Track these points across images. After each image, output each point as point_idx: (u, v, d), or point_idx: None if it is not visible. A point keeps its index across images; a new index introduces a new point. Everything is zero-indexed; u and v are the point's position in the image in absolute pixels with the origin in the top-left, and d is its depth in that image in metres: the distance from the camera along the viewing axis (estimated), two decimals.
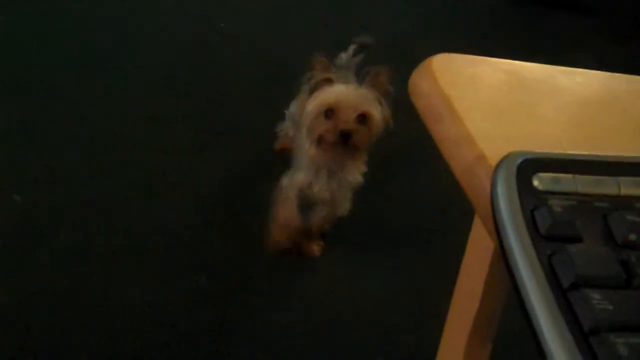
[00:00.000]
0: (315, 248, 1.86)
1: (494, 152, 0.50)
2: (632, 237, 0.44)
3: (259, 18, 2.51)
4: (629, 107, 0.61)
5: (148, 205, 1.83)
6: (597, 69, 2.29)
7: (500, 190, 0.46)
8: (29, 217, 1.72)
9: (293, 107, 1.77)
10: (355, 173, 1.69)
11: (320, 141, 1.55)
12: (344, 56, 1.69)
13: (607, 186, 0.47)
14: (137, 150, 1.96)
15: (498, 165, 0.47)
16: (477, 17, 2.94)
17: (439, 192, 1.80)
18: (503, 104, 0.57)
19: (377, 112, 1.53)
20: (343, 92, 1.53)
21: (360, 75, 1.58)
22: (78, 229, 1.73)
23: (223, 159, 2.01)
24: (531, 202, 0.45)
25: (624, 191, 0.47)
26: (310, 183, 1.68)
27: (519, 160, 0.47)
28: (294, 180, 1.72)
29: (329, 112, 1.53)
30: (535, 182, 0.46)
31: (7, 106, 1.97)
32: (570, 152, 0.50)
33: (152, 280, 1.69)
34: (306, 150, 1.64)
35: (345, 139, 1.51)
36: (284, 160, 1.80)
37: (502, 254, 0.44)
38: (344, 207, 1.76)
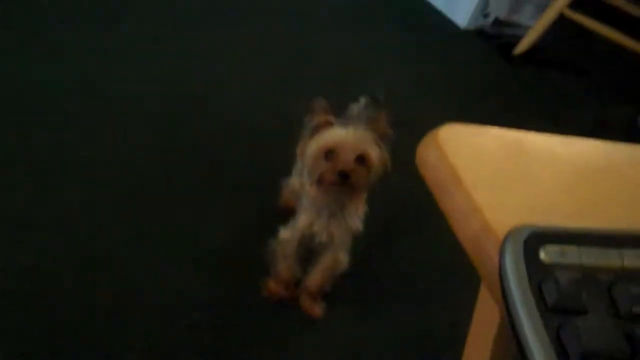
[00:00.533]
0: (317, 309, 1.86)
1: (500, 223, 0.52)
2: (636, 309, 0.45)
3: (261, 73, 2.55)
4: (629, 177, 0.63)
5: (148, 259, 1.84)
6: (596, 131, 2.36)
7: (508, 262, 0.47)
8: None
9: (300, 164, 1.80)
10: (355, 217, 1.72)
11: (320, 181, 1.60)
12: (355, 107, 1.73)
13: (611, 258, 0.49)
14: (138, 204, 1.97)
15: (506, 238, 0.49)
16: (475, 78, 2.99)
17: (440, 250, 1.81)
18: (507, 175, 0.59)
19: (376, 154, 1.58)
20: (342, 135, 1.58)
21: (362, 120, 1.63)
22: (79, 282, 1.73)
23: (224, 214, 2.02)
24: (538, 274, 0.46)
25: (628, 263, 0.49)
26: (312, 224, 1.71)
27: (526, 233, 0.48)
28: (295, 227, 1.75)
29: (329, 153, 1.58)
30: (542, 255, 0.47)
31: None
32: (574, 224, 0.51)
33: (152, 333, 1.69)
34: (307, 191, 1.68)
35: (344, 178, 1.56)
36: (286, 216, 1.82)
37: (509, 324, 0.46)
38: (344, 258, 1.77)
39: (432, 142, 0.59)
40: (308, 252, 1.81)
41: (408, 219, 2.18)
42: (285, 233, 1.78)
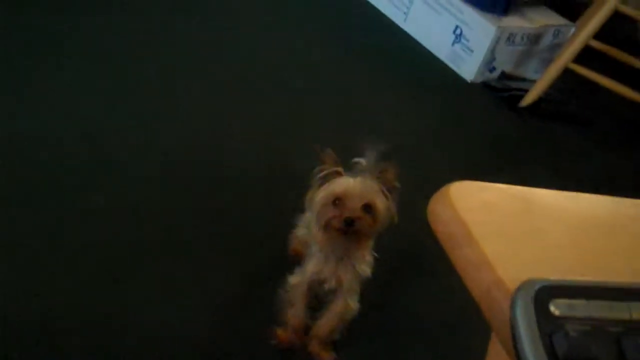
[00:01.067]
0: (327, 356, 1.86)
1: (511, 277, 0.53)
2: None
3: (263, 122, 2.58)
4: (635, 231, 0.65)
5: (152, 308, 1.84)
6: (602, 182, 2.37)
7: (520, 315, 0.49)
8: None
9: (309, 213, 1.84)
10: (362, 263, 1.74)
11: (327, 227, 1.63)
12: (364, 162, 1.76)
13: (620, 311, 0.51)
14: (145, 256, 1.98)
15: (517, 291, 0.51)
16: (483, 130, 3.02)
17: (449, 296, 1.81)
18: (517, 230, 0.61)
19: (382, 203, 1.61)
20: (350, 183, 1.63)
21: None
22: (87, 336, 1.73)
23: (228, 262, 2.03)
24: (549, 327, 0.48)
25: (636, 316, 0.51)
26: (321, 270, 1.73)
27: (536, 287, 0.50)
28: (304, 273, 1.77)
29: (337, 201, 1.62)
30: (552, 308, 0.49)
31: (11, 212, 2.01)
32: (583, 278, 0.53)
33: None
34: (315, 238, 1.72)
35: (350, 225, 1.59)
36: (294, 264, 1.83)
37: None
38: (353, 305, 1.78)
39: (444, 198, 0.61)
40: (317, 299, 1.81)
41: (417, 265, 2.19)
42: (294, 279, 1.80)
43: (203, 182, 2.26)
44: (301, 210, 1.90)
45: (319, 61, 3.09)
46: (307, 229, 1.88)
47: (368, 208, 1.60)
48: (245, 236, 2.12)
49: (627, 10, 2.99)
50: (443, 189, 0.62)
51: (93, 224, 2.02)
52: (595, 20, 2.95)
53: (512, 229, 0.60)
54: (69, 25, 2.76)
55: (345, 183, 1.63)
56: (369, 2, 3.67)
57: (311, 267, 1.76)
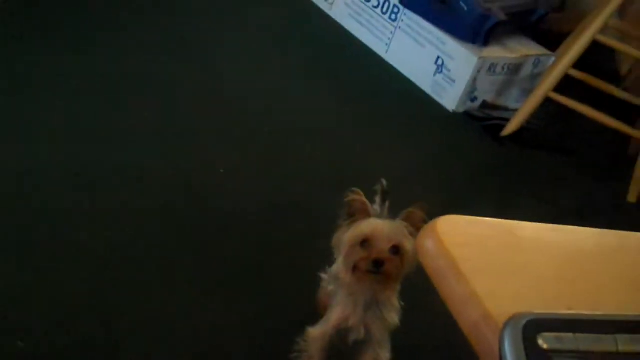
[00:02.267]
0: None
1: (499, 311, 0.54)
2: None
3: (253, 160, 2.59)
4: (619, 263, 0.66)
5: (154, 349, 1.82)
6: (585, 209, 2.38)
7: (508, 349, 0.50)
8: None
9: (335, 266, 1.79)
10: (391, 310, 1.69)
11: (355, 269, 1.60)
12: (377, 208, 1.74)
13: (606, 344, 0.52)
14: (144, 293, 1.96)
15: (505, 326, 0.52)
16: (465, 159, 3.05)
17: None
18: (503, 264, 0.62)
19: (410, 245, 1.58)
20: (379, 225, 1.60)
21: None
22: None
23: (226, 309, 1.99)
24: None
25: (622, 348, 0.52)
26: (348, 317, 1.68)
27: (524, 321, 0.51)
28: (327, 323, 1.70)
29: (365, 242, 1.59)
30: (540, 342, 0.50)
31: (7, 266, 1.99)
32: (569, 311, 0.54)
33: None
34: (342, 281, 1.67)
35: (378, 266, 1.57)
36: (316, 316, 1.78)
37: None
38: (384, 356, 1.71)
39: (432, 233, 0.63)
40: (340, 353, 1.74)
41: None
42: (315, 331, 1.73)
43: (198, 226, 2.23)
44: (328, 262, 1.84)
45: (300, 94, 3.10)
46: (335, 280, 1.79)
47: (396, 250, 1.58)
48: (239, 281, 2.10)
49: (606, 40, 3.04)
50: (431, 224, 0.64)
51: (87, 255, 2.01)
52: (574, 50, 2.99)
53: (499, 264, 0.61)
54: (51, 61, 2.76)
55: (373, 224, 1.61)
56: (350, 33, 3.70)
57: (337, 315, 1.70)
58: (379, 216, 1.65)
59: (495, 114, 3.34)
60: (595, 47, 3.02)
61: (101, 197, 2.22)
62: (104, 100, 2.64)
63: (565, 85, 3.12)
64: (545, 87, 3.08)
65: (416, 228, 1.61)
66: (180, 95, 2.81)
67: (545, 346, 0.50)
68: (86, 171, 2.30)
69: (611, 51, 3.36)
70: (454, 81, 3.29)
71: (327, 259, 1.80)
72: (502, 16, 3.27)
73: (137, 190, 2.29)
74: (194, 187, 2.36)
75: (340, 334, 1.71)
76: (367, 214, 1.63)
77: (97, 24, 3.08)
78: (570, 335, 0.51)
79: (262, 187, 2.45)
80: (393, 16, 3.53)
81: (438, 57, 3.34)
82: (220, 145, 2.61)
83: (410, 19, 3.45)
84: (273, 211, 2.34)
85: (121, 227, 2.13)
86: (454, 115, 3.31)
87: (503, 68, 3.35)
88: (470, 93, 3.31)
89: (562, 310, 0.56)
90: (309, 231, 2.24)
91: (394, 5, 3.52)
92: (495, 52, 3.33)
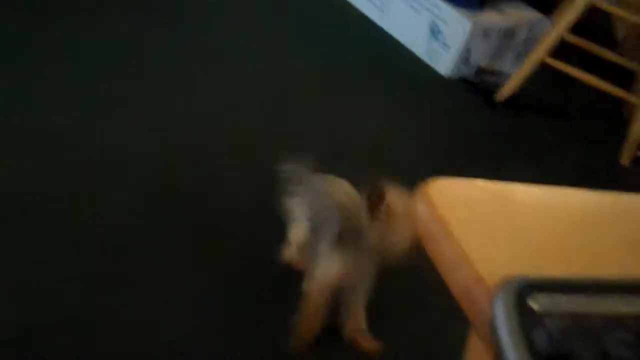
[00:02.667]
0: (371, 345, 1.81)
1: (491, 275, 0.53)
2: (626, 354, 0.47)
3: (246, 130, 2.57)
4: (613, 227, 0.65)
5: (144, 322, 1.82)
6: (581, 174, 2.37)
7: (499, 312, 0.49)
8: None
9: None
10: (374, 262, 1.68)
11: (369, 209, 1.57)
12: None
13: (599, 305, 0.51)
14: (121, 263, 1.95)
15: (496, 289, 0.51)
16: (460, 125, 3.04)
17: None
18: (497, 227, 0.61)
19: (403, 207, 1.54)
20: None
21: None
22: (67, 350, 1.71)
23: (212, 280, 1.98)
24: (529, 323, 0.48)
25: (616, 310, 0.51)
26: (348, 272, 1.68)
27: (516, 284, 0.50)
28: (324, 276, 1.70)
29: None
30: (532, 304, 0.49)
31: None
32: (563, 274, 0.53)
33: None
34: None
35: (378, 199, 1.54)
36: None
37: None
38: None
39: (423, 197, 0.61)
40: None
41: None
42: (314, 285, 1.72)
43: (191, 196, 2.22)
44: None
45: (294, 61, 3.07)
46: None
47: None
48: (227, 253, 2.09)
49: (602, 3, 3.00)
50: (423, 187, 0.62)
51: (74, 225, 2.00)
52: (570, 13, 2.97)
53: (493, 227, 0.60)
54: (41, 29, 2.72)
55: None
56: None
57: (335, 270, 1.68)
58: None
59: (491, 79, 3.32)
60: (591, 12, 2.99)
61: (87, 165, 2.21)
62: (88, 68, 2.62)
63: (561, 50, 3.09)
64: (540, 52, 3.06)
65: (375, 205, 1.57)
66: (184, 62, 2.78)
67: (537, 308, 0.49)
68: (72, 140, 2.28)
69: (607, 16, 3.33)
70: (448, 46, 3.26)
71: None
72: None
73: (124, 157, 2.28)
74: (186, 153, 2.35)
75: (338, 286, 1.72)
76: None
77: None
78: (563, 297, 0.50)
79: (256, 158, 2.43)
80: None
81: (432, 22, 3.31)
82: (216, 113, 2.59)
83: None
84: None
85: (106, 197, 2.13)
86: (449, 80, 3.29)
87: (498, 32, 3.32)
88: (465, 58, 3.29)
89: (557, 273, 0.55)
90: None
91: None
92: (490, 17, 3.30)
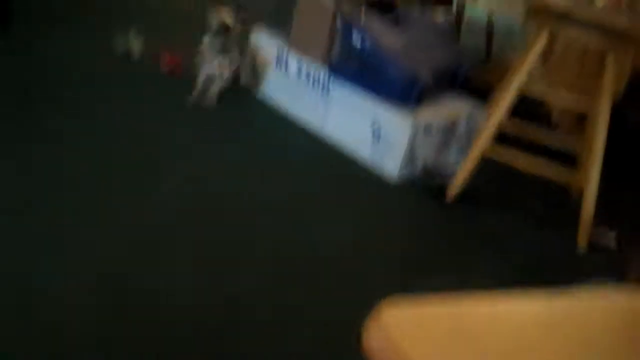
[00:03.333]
0: None
1: None
2: None
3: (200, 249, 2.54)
4: (568, 330, 0.64)
5: None
6: (537, 265, 2.37)
7: None
8: None
9: None
10: None
11: None
12: None
13: None
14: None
15: None
16: (412, 227, 3.06)
17: None
18: (450, 346, 0.59)
19: None
20: None
21: None
22: None
23: None
24: None
25: None
26: None
27: None
28: None
29: None
30: None
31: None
32: None
33: None
34: None
35: None
36: None
37: None
38: None
39: (377, 326, 0.59)
40: None
41: None
42: None
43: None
44: None
45: (239, 175, 3.08)
46: None
47: None
48: None
49: (533, 90, 3.11)
50: (375, 315, 0.60)
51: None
52: (502, 105, 3.06)
53: (447, 345, 0.58)
54: None
55: None
56: (283, 109, 3.73)
57: None
58: None
59: (437, 176, 3.36)
60: (525, 97, 3.09)
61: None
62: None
63: (501, 138, 3.16)
64: (479, 147, 3.12)
65: None
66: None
67: None
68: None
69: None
70: (392, 146, 3.31)
71: None
72: (429, 76, 3.33)
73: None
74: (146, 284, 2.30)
75: None
76: None
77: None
78: None
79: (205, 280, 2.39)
80: (324, 89, 3.57)
81: (373, 125, 3.37)
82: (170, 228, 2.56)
83: (342, 90, 3.49)
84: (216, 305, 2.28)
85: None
86: (396, 182, 3.32)
87: (438, 128, 3.39)
88: (410, 157, 3.33)
89: None
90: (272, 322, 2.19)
91: (324, 78, 3.56)
92: (429, 114, 3.38)
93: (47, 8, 4.45)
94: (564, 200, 3.40)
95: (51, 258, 2.31)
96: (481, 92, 3.69)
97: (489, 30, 5.49)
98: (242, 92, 3.83)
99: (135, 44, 3.93)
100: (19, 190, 2.63)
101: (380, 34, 3.40)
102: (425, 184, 3.31)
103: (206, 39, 3.68)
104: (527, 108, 3.35)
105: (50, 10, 4.45)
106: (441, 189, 3.24)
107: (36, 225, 2.45)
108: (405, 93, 3.32)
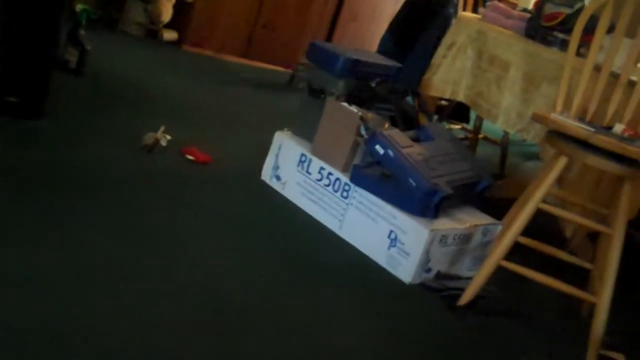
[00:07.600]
0: None
1: None
2: None
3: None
4: None
5: None
6: None
7: None
8: None
9: None
10: None
11: None
12: None
13: None
14: None
15: None
16: (423, 332, 3.07)
17: None
18: None
19: None
20: None
21: None
22: None
23: None
24: None
25: None
26: None
27: None
28: None
29: None
30: None
31: None
32: None
33: None
34: None
35: None
36: None
37: None
38: None
39: None
40: None
41: None
42: None
43: None
44: None
45: (254, 278, 3.12)
46: None
47: None
48: None
49: (549, 208, 3.19)
50: None
51: None
52: (520, 220, 3.14)
53: None
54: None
55: None
56: (303, 211, 3.82)
57: None
58: None
59: (450, 284, 3.43)
60: (539, 213, 3.17)
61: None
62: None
63: (515, 251, 3.23)
64: (495, 257, 3.19)
65: None
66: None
67: None
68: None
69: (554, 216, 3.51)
70: (408, 254, 3.38)
71: None
72: (448, 190, 3.43)
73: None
74: None
75: None
76: None
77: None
78: None
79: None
80: (345, 193, 3.67)
81: (391, 232, 3.45)
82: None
83: (362, 196, 3.59)
84: None
85: None
86: (410, 287, 3.37)
87: (454, 239, 3.47)
88: (425, 264, 3.40)
89: None
90: None
91: (345, 183, 3.66)
92: (445, 224, 3.46)
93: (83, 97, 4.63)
94: (573, 314, 3.45)
95: None
96: (496, 206, 3.79)
97: (504, 146, 5.66)
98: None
99: (163, 140, 4.03)
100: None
101: (402, 146, 3.52)
102: (438, 291, 3.37)
103: None
104: (540, 224, 3.43)
105: (84, 100, 4.62)
106: (454, 296, 3.30)
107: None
108: (424, 204, 3.42)
